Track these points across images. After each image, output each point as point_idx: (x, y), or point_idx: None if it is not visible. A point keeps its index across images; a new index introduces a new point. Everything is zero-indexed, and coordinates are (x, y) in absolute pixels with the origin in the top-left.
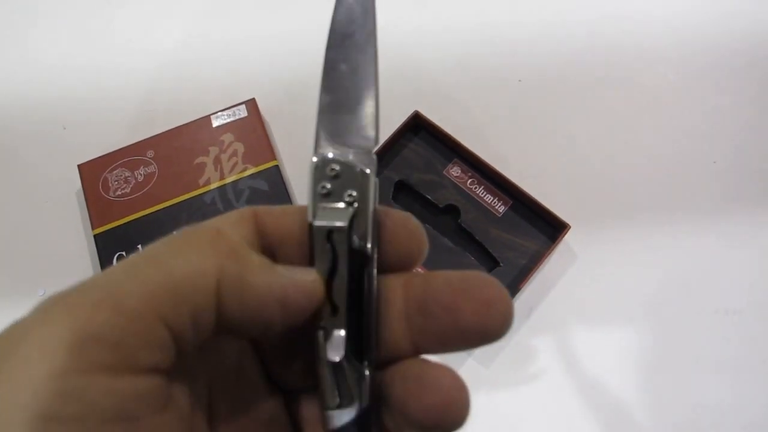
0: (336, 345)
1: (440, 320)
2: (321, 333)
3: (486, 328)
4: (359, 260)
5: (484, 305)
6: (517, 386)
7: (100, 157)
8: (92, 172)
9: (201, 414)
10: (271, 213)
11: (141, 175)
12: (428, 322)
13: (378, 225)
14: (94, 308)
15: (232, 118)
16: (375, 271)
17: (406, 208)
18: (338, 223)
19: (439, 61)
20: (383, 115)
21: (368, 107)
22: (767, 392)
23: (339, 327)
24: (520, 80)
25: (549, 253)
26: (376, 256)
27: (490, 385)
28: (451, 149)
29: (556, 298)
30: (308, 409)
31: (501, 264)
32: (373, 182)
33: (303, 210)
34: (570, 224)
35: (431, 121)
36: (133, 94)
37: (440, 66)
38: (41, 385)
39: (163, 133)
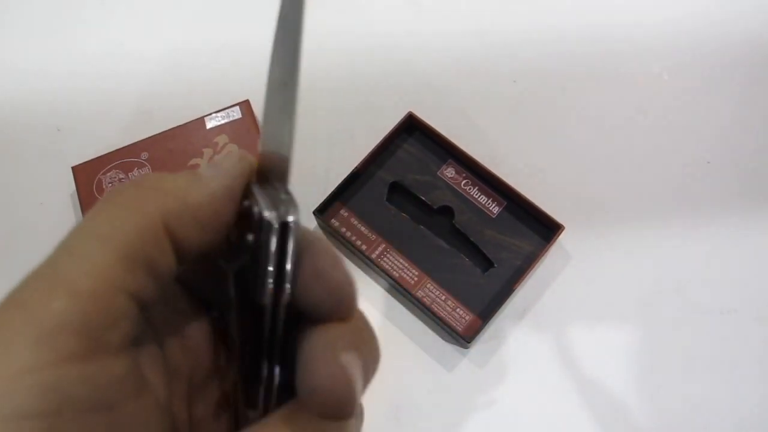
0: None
1: (303, 286)
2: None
3: (331, 304)
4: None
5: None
6: (512, 386)
7: (94, 159)
8: (86, 174)
9: (179, 400)
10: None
11: (135, 176)
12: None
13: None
14: (48, 298)
15: (226, 120)
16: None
17: (401, 210)
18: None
19: (434, 63)
20: (377, 115)
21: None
22: (761, 391)
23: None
24: (514, 81)
25: (543, 254)
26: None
27: (485, 385)
28: (446, 150)
29: (550, 299)
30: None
31: (495, 265)
32: (275, 234)
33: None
34: (564, 225)
35: (425, 122)
36: (127, 96)
37: (434, 67)
38: (11, 385)
39: (157, 134)
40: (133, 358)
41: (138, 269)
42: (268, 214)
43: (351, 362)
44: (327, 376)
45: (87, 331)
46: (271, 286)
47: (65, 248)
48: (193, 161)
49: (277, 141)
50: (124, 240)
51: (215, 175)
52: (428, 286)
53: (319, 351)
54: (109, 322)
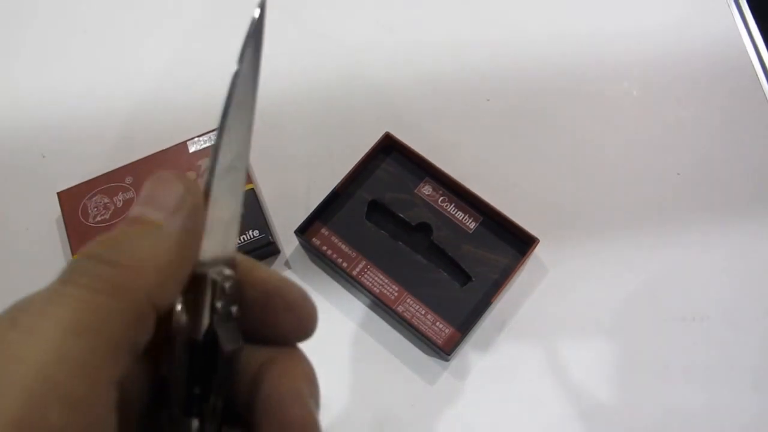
0: None
1: (251, 316)
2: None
3: (288, 328)
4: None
5: (289, 307)
6: (493, 397)
7: (79, 184)
8: (71, 200)
9: None
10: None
11: (120, 201)
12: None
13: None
14: (44, 409)
15: (208, 144)
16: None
17: (380, 227)
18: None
19: (408, 83)
20: (355, 136)
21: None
22: (735, 397)
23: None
24: (488, 100)
25: (519, 267)
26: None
27: (465, 398)
28: (422, 168)
29: (528, 311)
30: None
31: (473, 279)
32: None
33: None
34: (539, 238)
35: (402, 142)
36: (111, 122)
37: (409, 88)
38: None
39: (141, 159)
40: None
41: (126, 355)
42: (227, 348)
43: (313, 401)
44: (299, 417)
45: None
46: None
47: (49, 344)
48: None
49: (224, 230)
50: (113, 333)
51: (171, 220)
52: (408, 301)
53: (287, 394)
54: (102, 419)
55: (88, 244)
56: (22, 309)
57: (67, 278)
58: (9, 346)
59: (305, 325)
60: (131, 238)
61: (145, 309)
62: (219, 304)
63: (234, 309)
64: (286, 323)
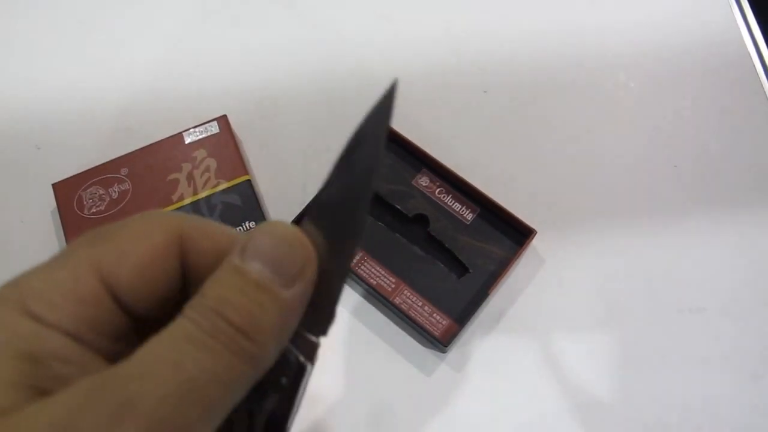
0: None
1: None
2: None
3: None
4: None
5: None
6: (490, 389)
7: (74, 175)
8: (67, 191)
9: None
10: (201, 231)
11: (115, 192)
12: None
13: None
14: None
15: (204, 135)
16: None
17: (377, 219)
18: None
19: (406, 75)
20: (352, 128)
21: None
22: (733, 388)
23: None
24: (485, 91)
25: (517, 258)
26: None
27: (463, 389)
28: (419, 160)
29: (525, 302)
30: None
31: (470, 270)
32: (307, 375)
33: (230, 234)
34: (536, 229)
35: (399, 133)
36: (107, 113)
37: (406, 79)
38: None
39: (136, 150)
40: None
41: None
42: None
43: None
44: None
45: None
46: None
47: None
48: (172, 176)
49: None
50: (230, 392)
51: (293, 289)
52: (405, 292)
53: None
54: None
55: (224, 305)
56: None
57: (208, 331)
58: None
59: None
60: (262, 312)
61: (256, 378)
62: None
63: None
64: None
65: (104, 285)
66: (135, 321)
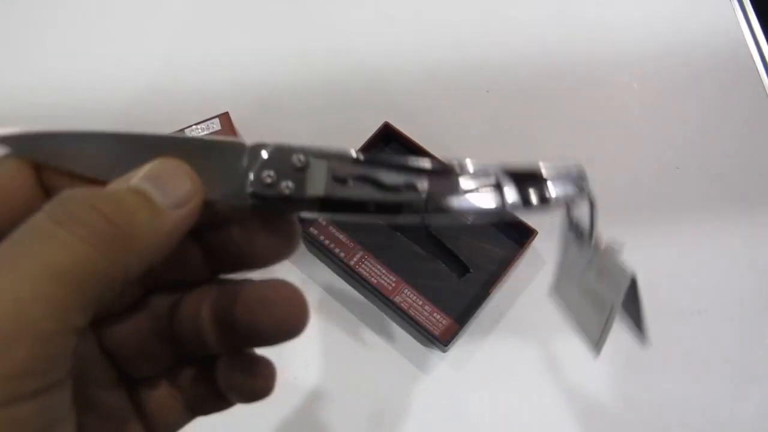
0: None
1: (242, 332)
2: None
3: (283, 335)
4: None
5: (281, 320)
6: (490, 388)
7: None
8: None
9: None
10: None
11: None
12: (233, 331)
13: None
14: (10, 343)
15: (205, 132)
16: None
17: None
18: None
19: (409, 73)
20: (354, 126)
21: None
22: (731, 389)
23: None
24: (487, 91)
25: (517, 259)
26: None
27: (463, 388)
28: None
29: (525, 303)
30: (155, 398)
31: (471, 270)
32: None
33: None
34: (537, 230)
35: (401, 132)
36: (109, 110)
37: (409, 78)
38: None
39: None
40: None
41: (92, 311)
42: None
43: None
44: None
45: (42, 372)
46: None
47: (29, 282)
48: None
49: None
50: (89, 287)
51: (170, 208)
52: (406, 291)
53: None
54: (61, 358)
55: (89, 190)
56: (10, 242)
57: (61, 220)
58: None
59: (288, 324)
60: (133, 207)
61: (121, 275)
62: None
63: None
64: (263, 320)
65: None
66: None
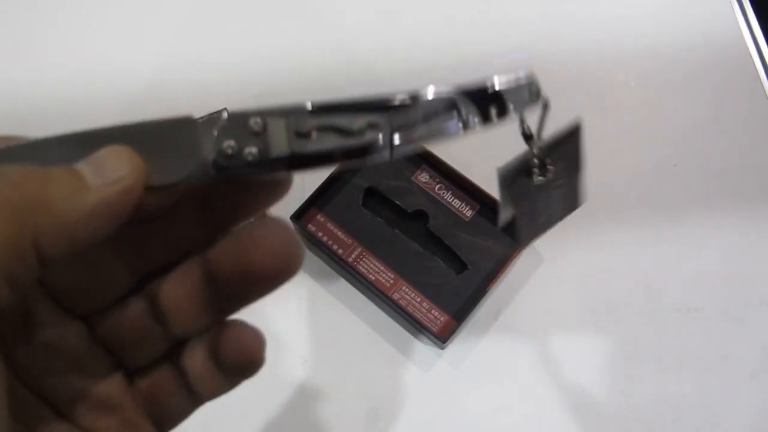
0: None
1: (234, 283)
2: None
3: (279, 274)
4: None
5: (272, 257)
6: (488, 386)
7: None
8: None
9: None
10: None
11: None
12: (226, 285)
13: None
14: None
15: None
16: None
17: (376, 214)
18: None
19: (407, 69)
20: None
21: None
22: (727, 387)
23: None
24: None
25: (515, 256)
26: None
27: (461, 385)
28: (419, 156)
29: (523, 300)
30: (157, 386)
31: (469, 267)
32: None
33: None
34: None
35: None
36: (107, 108)
37: (407, 75)
38: None
39: None
40: None
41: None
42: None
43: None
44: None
45: None
46: None
47: None
48: None
49: None
50: None
51: (100, 186)
52: (404, 288)
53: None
54: None
55: (13, 165)
56: None
57: None
58: None
59: (284, 263)
60: (55, 180)
61: (25, 244)
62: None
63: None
64: (256, 259)
65: None
66: None
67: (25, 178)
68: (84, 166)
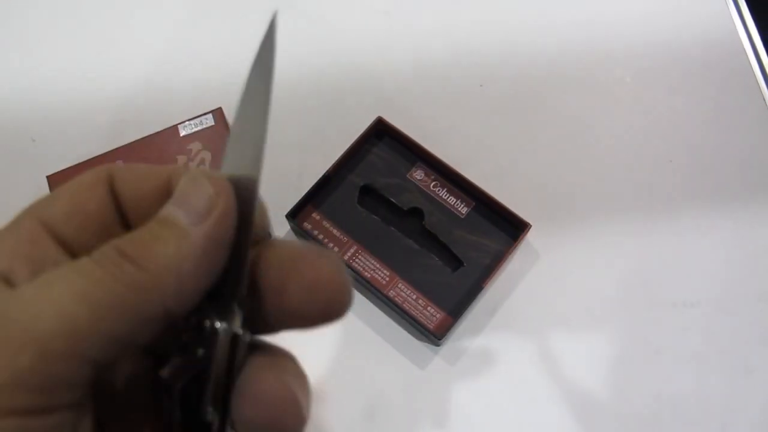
0: None
1: (267, 302)
2: None
3: (313, 313)
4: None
5: (310, 288)
6: (484, 382)
7: (69, 167)
8: (61, 183)
9: None
10: (131, 172)
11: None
12: (257, 302)
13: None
14: (16, 352)
15: (199, 127)
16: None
17: (372, 212)
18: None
19: (402, 68)
20: (347, 121)
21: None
22: (724, 381)
23: None
24: (481, 85)
25: (511, 252)
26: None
27: (457, 382)
28: (415, 153)
29: (519, 296)
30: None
31: (465, 264)
32: (223, 342)
33: (163, 172)
34: (531, 223)
35: (394, 127)
36: (102, 105)
37: (402, 73)
38: None
39: (132, 143)
40: (73, 412)
41: (112, 347)
42: (219, 325)
43: (299, 386)
44: (274, 396)
45: (41, 392)
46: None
47: (44, 290)
48: None
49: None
50: (113, 321)
51: (199, 228)
52: (399, 285)
53: (267, 372)
54: (66, 386)
55: (123, 238)
56: (54, 271)
57: (99, 260)
58: (21, 294)
59: (333, 306)
60: (158, 242)
61: (157, 314)
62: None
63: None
64: (309, 305)
65: (42, 225)
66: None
67: (136, 251)
68: (173, 209)
